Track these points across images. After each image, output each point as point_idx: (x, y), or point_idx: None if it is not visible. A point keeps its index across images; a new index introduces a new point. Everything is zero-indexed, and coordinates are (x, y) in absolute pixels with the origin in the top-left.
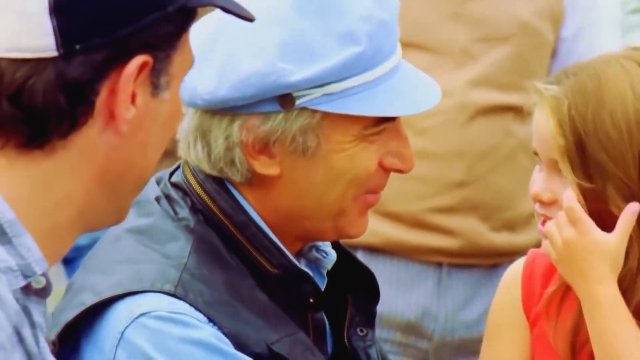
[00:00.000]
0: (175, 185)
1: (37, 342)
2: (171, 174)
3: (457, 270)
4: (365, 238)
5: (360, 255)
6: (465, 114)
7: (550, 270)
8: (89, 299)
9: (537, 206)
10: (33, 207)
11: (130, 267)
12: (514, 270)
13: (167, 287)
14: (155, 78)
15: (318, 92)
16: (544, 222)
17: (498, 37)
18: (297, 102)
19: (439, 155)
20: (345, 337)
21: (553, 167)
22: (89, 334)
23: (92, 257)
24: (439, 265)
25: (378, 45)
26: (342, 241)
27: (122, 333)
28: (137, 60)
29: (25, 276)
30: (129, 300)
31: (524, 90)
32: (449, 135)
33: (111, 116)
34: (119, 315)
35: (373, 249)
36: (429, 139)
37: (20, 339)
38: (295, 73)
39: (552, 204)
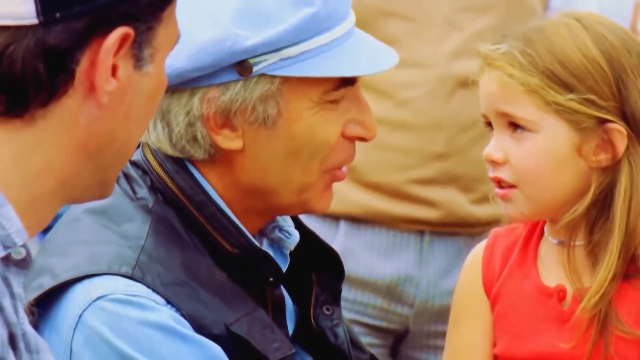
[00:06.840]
0: (134, 164)
1: (17, 312)
2: None
3: (439, 239)
4: (346, 208)
5: (343, 226)
6: (446, 86)
7: (509, 250)
8: (47, 282)
9: (490, 171)
10: (13, 178)
11: (87, 248)
12: (476, 253)
13: (124, 269)
14: (138, 51)
15: (275, 57)
16: (499, 186)
17: (482, 6)
18: (255, 68)
19: (419, 126)
20: (312, 317)
21: (504, 123)
22: (47, 317)
23: (51, 238)
24: (421, 233)
25: (332, 7)
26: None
27: (80, 316)
28: (117, 33)
29: (5, 247)
30: (86, 283)
31: None
32: (430, 107)
33: (91, 87)
34: (76, 298)
35: (355, 219)
36: (409, 110)
37: (0, 309)
38: (251, 38)
39: (503, 163)
